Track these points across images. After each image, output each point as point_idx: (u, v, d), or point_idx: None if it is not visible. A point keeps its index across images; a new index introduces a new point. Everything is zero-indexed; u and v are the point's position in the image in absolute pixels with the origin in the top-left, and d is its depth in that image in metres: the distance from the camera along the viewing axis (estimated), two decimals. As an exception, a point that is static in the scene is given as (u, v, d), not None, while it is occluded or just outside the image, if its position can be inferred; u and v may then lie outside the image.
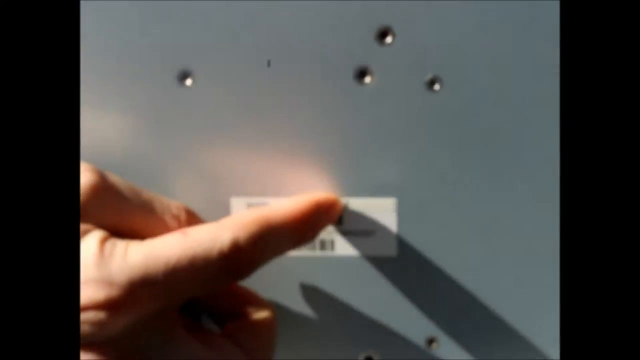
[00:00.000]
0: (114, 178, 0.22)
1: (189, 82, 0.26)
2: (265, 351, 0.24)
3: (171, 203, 0.23)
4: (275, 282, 0.27)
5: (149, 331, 0.21)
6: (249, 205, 0.27)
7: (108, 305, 0.20)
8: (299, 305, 0.28)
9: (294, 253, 0.27)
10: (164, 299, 0.21)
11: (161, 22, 0.25)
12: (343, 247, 0.27)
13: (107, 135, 0.26)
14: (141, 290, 0.20)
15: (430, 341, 0.28)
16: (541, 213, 0.26)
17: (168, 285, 0.21)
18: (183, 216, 0.23)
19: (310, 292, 0.28)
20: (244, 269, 0.22)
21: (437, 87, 0.25)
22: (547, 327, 0.27)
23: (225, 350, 0.23)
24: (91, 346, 0.20)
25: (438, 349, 0.28)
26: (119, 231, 0.22)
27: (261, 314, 0.25)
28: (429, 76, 0.25)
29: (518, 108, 0.25)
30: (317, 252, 0.27)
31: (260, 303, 0.25)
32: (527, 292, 0.27)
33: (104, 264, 0.20)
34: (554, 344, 0.27)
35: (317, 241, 0.27)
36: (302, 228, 0.24)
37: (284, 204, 0.24)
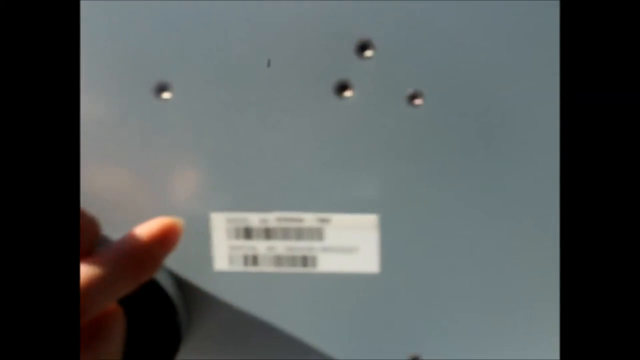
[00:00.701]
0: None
1: (166, 95, 0.26)
2: (108, 353, 0.22)
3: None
4: (256, 300, 0.27)
5: None
6: (229, 221, 0.26)
7: None
8: (279, 322, 0.27)
9: (273, 269, 0.27)
10: None
11: (137, 33, 0.25)
12: (325, 264, 0.27)
13: (81, 150, 0.26)
14: None
15: (415, 359, 0.27)
16: (525, 225, 0.25)
17: None
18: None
19: (292, 310, 0.27)
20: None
21: (418, 101, 0.25)
22: (539, 347, 0.26)
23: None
24: None
25: (422, 367, 0.27)
26: None
27: (103, 317, 0.23)
28: (409, 91, 0.24)
29: (500, 123, 0.24)
30: (299, 269, 0.27)
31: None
32: (514, 307, 0.26)
33: None
34: None
35: (299, 257, 0.27)
36: (137, 266, 0.22)
37: (114, 245, 0.22)
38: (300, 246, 0.26)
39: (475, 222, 0.26)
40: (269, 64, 0.25)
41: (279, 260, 0.27)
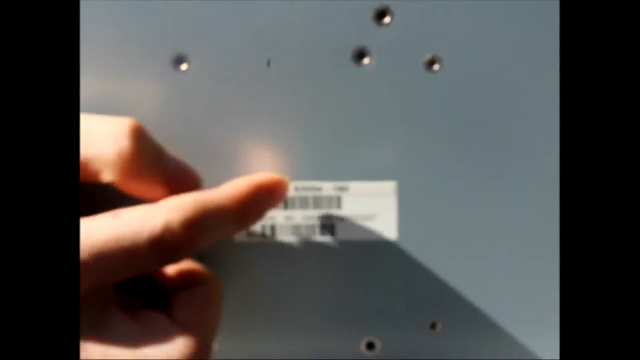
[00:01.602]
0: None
1: (184, 67, 0.26)
2: (206, 325, 0.22)
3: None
4: (273, 268, 0.27)
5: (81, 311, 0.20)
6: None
7: None
8: (298, 291, 0.27)
9: (291, 238, 0.27)
10: (90, 281, 0.20)
11: (154, 5, 0.25)
12: (344, 232, 0.27)
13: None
14: None
15: (433, 325, 0.27)
16: (545, 195, 0.26)
17: (94, 267, 0.20)
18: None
19: (312, 279, 0.27)
20: (177, 252, 0.21)
21: (436, 67, 0.25)
22: (550, 311, 0.27)
23: (159, 327, 0.21)
24: None
25: (441, 333, 0.27)
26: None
27: (199, 284, 0.23)
28: (428, 56, 0.25)
29: (520, 88, 0.25)
30: (318, 237, 0.27)
31: (198, 274, 0.24)
32: (530, 276, 0.27)
33: None
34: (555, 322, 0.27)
35: (317, 226, 0.27)
36: (242, 211, 0.23)
37: (225, 187, 0.23)
38: (318, 215, 0.27)
39: (495, 189, 0.26)
40: (269, 64, 0.25)
41: (297, 229, 0.27)
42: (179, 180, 0.23)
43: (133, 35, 0.25)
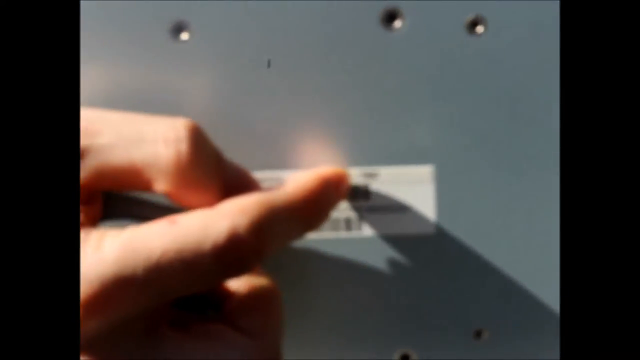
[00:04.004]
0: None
1: (184, 36, 0.22)
2: (273, 329, 0.20)
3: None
4: (295, 271, 0.23)
5: (128, 334, 0.18)
6: (263, 181, 0.23)
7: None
8: (322, 296, 0.24)
9: (314, 235, 0.23)
10: (145, 300, 0.18)
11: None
12: (372, 226, 0.23)
13: (96, 96, 0.22)
14: (116, 290, 0.17)
15: (478, 333, 0.23)
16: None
17: (150, 284, 0.17)
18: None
19: (336, 281, 0.23)
20: (245, 262, 0.18)
21: (480, 29, 0.21)
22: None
23: (224, 338, 0.19)
24: None
25: (487, 343, 0.23)
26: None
27: (258, 287, 0.21)
28: (470, 17, 0.21)
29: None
30: (342, 234, 0.23)
31: (253, 276, 0.21)
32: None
33: None
34: None
35: (341, 221, 0.23)
36: (312, 209, 0.20)
37: (287, 185, 0.20)
38: (342, 207, 0.23)
39: (545, 170, 0.22)
40: (269, 65, 0.22)
41: (318, 224, 0.23)
42: (238, 188, 0.20)
43: (128, 2, 0.22)
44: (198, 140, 0.19)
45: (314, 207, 0.20)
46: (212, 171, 0.20)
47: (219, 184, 0.20)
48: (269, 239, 0.19)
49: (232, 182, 0.20)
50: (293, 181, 0.20)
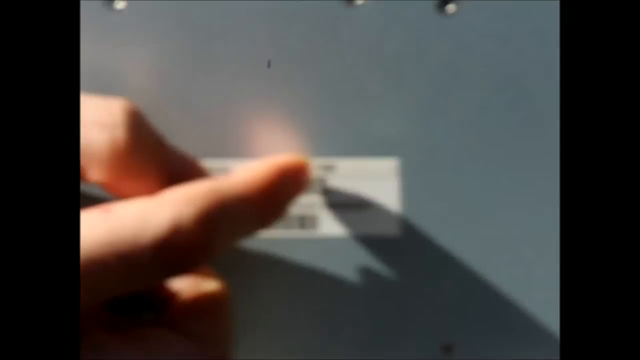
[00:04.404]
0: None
1: (120, 4, 0.20)
2: (221, 335, 0.19)
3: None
4: (241, 273, 0.21)
5: None
6: (203, 171, 0.20)
7: None
8: (271, 301, 0.21)
9: (265, 234, 0.21)
10: (81, 301, 0.16)
11: None
12: (329, 225, 0.21)
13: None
14: None
15: (447, 349, 0.21)
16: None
17: (84, 282, 0.16)
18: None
19: (287, 285, 0.21)
20: (189, 258, 0.16)
21: (451, 8, 0.20)
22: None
23: (167, 344, 0.17)
24: None
25: (456, 357, 0.21)
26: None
27: (206, 288, 0.19)
28: (441, -7, 0.19)
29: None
30: (295, 232, 0.21)
31: (202, 274, 0.19)
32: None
33: None
34: None
35: (295, 218, 0.21)
36: (267, 202, 0.18)
37: (239, 173, 0.18)
38: (296, 202, 0.20)
39: (519, 165, 0.20)
40: (269, 65, 0.20)
41: (268, 221, 0.21)
42: (183, 179, 0.18)
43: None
44: (136, 124, 0.17)
45: (269, 199, 0.18)
46: (153, 159, 0.18)
47: (161, 174, 0.18)
48: (218, 233, 0.17)
49: (176, 172, 0.18)
50: (246, 170, 0.18)
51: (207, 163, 0.20)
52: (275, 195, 0.18)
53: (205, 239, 0.16)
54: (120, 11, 0.20)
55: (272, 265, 0.21)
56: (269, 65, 0.20)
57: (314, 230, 0.21)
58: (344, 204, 0.20)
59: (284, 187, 0.19)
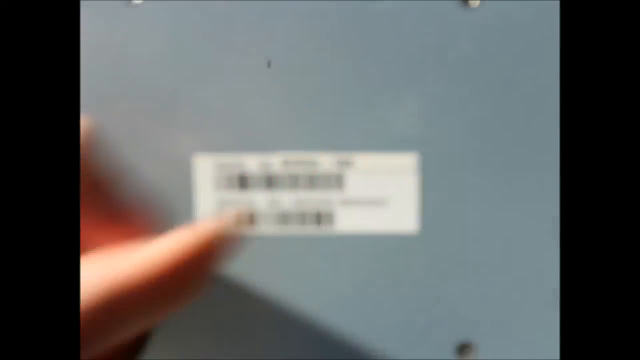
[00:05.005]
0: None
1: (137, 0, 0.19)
2: None
3: None
4: (254, 270, 0.20)
5: None
6: (218, 166, 0.20)
7: None
8: (285, 299, 0.21)
9: (276, 228, 0.20)
10: None
11: None
12: (346, 221, 0.20)
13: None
14: None
15: (462, 348, 0.20)
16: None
17: None
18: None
19: (302, 283, 0.20)
20: None
21: (474, 2, 0.19)
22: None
23: None
24: None
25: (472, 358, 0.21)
26: None
27: None
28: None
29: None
30: (312, 228, 0.20)
31: None
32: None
33: None
34: None
35: (311, 214, 0.20)
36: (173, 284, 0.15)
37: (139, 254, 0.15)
38: (313, 198, 0.20)
39: (542, 163, 0.20)
40: (269, 65, 0.20)
41: (284, 217, 0.20)
42: (129, 218, 0.17)
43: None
44: (87, 148, 0.16)
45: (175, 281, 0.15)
46: (100, 194, 0.16)
47: (108, 209, 0.16)
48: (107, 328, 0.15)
49: (126, 211, 0.17)
50: (148, 249, 0.15)
51: (221, 158, 0.20)
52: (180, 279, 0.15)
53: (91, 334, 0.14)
54: (136, 5, 0.20)
55: (289, 263, 0.20)
56: (269, 65, 0.20)
57: (330, 227, 0.20)
58: (361, 200, 0.20)
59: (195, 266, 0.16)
